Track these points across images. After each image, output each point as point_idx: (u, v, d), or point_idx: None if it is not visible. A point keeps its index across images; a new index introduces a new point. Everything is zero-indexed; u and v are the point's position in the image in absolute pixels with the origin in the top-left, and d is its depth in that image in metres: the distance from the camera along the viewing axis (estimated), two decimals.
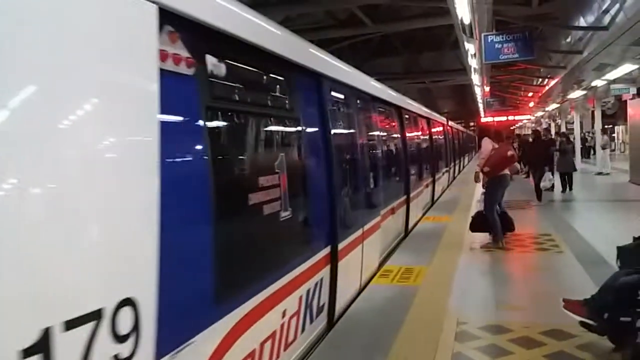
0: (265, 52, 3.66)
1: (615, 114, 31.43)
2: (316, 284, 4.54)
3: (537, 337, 4.42)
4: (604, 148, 21.59)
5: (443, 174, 16.77)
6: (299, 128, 4.36)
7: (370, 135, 7.20)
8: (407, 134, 10.00)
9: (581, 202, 13.84)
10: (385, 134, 8.69)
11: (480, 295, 5.79)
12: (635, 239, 4.43)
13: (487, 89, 24.04)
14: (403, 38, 25.32)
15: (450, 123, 21.97)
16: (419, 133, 12.20)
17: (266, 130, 3.85)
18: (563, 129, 30.11)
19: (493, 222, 8.24)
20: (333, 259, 4.86)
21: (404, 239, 9.11)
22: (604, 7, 10.20)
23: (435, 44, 25.95)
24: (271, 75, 3.97)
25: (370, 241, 6.35)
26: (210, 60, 2.96)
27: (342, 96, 5.77)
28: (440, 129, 17.35)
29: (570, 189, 15.18)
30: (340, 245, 4.99)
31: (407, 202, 9.49)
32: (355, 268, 5.79)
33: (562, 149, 15.53)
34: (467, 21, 10.34)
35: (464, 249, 8.15)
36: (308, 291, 4.33)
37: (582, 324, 4.09)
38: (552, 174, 13.38)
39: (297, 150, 4.34)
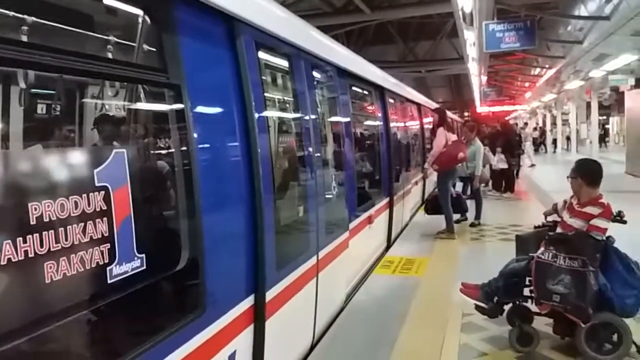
0: None
1: (611, 105, 31.45)
2: None
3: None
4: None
5: None
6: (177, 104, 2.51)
7: (332, 120, 5.48)
8: (391, 122, 8.17)
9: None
10: (355, 119, 6.89)
11: None
12: (535, 227, 4.63)
13: (484, 78, 23.92)
14: (399, 26, 25.18)
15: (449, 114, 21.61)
16: (408, 120, 10.81)
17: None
18: (559, 120, 30.17)
19: (447, 212, 8.28)
20: (258, 315, 3.12)
21: (386, 250, 7.59)
22: None
23: (432, 32, 25.88)
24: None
25: (330, 271, 4.54)
26: None
27: (282, 60, 3.99)
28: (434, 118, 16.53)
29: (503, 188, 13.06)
30: (271, 293, 3.26)
31: (390, 205, 7.73)
32: (300, 321, 4.02)
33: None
34: (468, 9, 10.22)
35: (465, 239, 8.09)
36: None
37: (477, 307, 4.34)
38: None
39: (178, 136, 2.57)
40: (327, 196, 4.63)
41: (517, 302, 4.24)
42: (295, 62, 4.09)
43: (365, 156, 7.62)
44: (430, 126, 12.83)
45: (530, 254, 4.09)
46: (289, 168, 4.21)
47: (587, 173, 4.17)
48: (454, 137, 8.68)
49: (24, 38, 2.49)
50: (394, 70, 25.23)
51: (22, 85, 2.84)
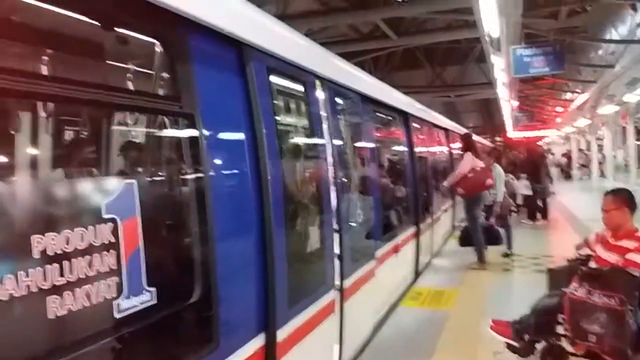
0: None
1: None
2: None
3: None
4: None
5: None
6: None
7: (353, 146, 5.39)
8: (417, 148, 7.91)
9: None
10: (378, 145, 6.52)
11: None
12: (568, 261, 4.41)
13: (514, 103, 23.57)
14: (426, 51, 25.17)
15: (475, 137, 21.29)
16: (435, 145, 10.56)
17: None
18: (594, 146, 29.35)
19: (477, 242, 8.03)
20: (269, 355, 2.90)
21: (412, 284, 7.25)
22: (638, 20, 9.87)
23: (460, 57, 25.76)
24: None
25: (352, 304, 4.35)
26: None
27: (295, 86, 3.82)
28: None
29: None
30: (283, 332, 3.03)
31: (417, 235, 7.48)
32: (321, 357, 3.86)
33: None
34: (495, 34, 10.10)
35: (497, 270, 7.83)
36: None
37: (508, 345, 4.17)
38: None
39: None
40: (348, 227, 4.48)
41: (551, 341, 4.01)
42: (310, 88, 3.94)
43: (389, 184, 7.33)
44: (460, 152, 12.64)
45: (563, 289, 3.88)
46: (308, 197, 4.06)
47: (631, 202, 3.96)
48: (481, 164, 8.45)
49: (40, 69, 2.49)
50: (421, 96, 25.20)
51: (43, 114, 2.86)
